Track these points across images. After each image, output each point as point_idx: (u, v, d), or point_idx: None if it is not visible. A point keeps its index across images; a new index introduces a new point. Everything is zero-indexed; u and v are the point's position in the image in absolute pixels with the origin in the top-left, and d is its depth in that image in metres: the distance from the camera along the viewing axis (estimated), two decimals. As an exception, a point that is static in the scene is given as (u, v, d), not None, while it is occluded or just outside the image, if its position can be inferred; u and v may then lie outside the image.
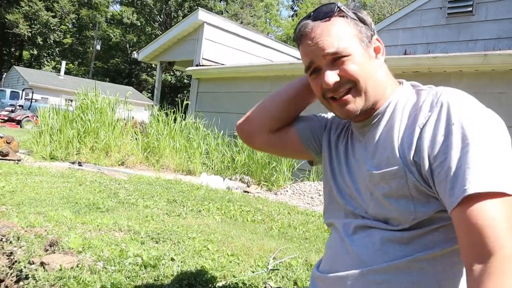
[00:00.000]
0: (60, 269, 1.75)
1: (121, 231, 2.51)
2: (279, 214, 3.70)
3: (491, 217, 0.70)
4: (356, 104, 0.94)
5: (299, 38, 0.98)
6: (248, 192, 5.41)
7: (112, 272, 1.83)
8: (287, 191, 5.53)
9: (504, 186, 0.71)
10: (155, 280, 1.82)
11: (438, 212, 0.83)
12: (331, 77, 0.92)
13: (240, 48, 9.48)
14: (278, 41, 11.87)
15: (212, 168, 6.86)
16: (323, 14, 0.94)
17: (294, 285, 1.93)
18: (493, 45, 8.15)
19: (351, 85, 0.92)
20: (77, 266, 1.83)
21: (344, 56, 0.91)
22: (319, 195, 5.29)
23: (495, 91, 4.96)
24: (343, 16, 0.94)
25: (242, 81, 7.99)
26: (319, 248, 2.62)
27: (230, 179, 6.29)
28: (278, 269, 2.08)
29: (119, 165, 6.32)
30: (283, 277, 2.01)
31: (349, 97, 0.93)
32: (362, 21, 0.96)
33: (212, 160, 6.90)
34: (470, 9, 8.30)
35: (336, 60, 0.92)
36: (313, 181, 5.95)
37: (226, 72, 8.31)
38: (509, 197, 0.71)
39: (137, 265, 1.95)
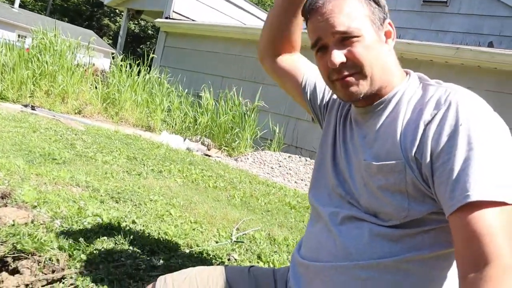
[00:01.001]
0: (13, 225, 1.63)
1: (79, 187, 2.38)
2: (240, 182, 3.68)
3: (491, 226, 0.69)
4: (359, 87, 0.89)
5: (308, 12, 0.92)
6: (208, 155, 5.34)
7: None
8: (247, 158, 5.50)
9: (506, 195, 0.70)
10: (115, 243, 1.74)
11: (431, 214, 0.82)
12: (338, 56, 0.86)
13: (212, 6, 9.14)
14: (252, 3, 11.53)
15: (172, 127, 6.69)
16: None
17: (258, 259, 1.92)
18: (461, 39, 8.35)
19: (356, 70, 0.88)
20: (32, 223, 1.71)
21: (354, 37, 0.86)
22: (279, 166, 5.32)
23: (462, 85, 5.05)
24: None
25: (213, 40, 7.73)
26: (282, 222, 2.62)
27: (191, 140, 6.17)
28: (242, 242, 2.06)
29: (75, 113, 6.01)
30: (247, 250, 1.99)
31: (352, 79, 0.88)
32: (376, 1, 0.91)
33: (174, 119, 6.72)
34: (445, 0, 8.40)
35: (345, 40, 0.87)
36: (274, 151, 5.96)
37: (197, 29, 8.00)
38: (509, 206, 0.70)
39: (97, 225, 1.86)
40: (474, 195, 0.70)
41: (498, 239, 0.68)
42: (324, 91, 1.14)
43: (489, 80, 4.96)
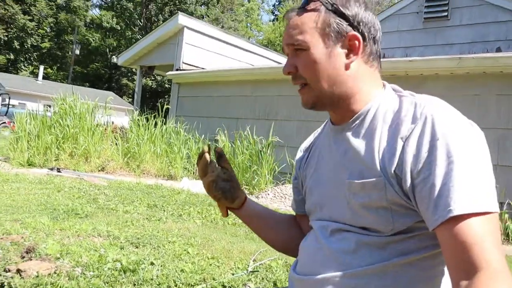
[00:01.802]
0: (37, 276, 1.73)
1: (100, 237, 2.49)
2: (260, 217, 3.72)
3: (477, 235, 0.71)
4: (307, 98, 0.95)
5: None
6: (229, 195, 5.40)
7: (91, 278, 1.82)
8: (268, 194, 5.55)
9: (488, 205, 0.72)
10: (134, 284, 1.82)
11: (416, 223, 0.84)
12: (285, 67, 0.95)
13: (220, 53, 9.50)
14: (259, 45, 11.94)
15: (193, 173, 6.84)
16: (301, 5, 0.95)
17: (273, 286, 1.95)
18: (468, 49, 8.38)
19: (303, 81, 0.94)
20: (55, 273, 1.81)
21: (302, 49, 0.91)
22: (300, 197, 5.33)
23: (470, 93, 5.09)
24: (314, 10, 0.91)
25: (223, 85, 8.01)
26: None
27: (212, 183, 6.27)
28: (258, 271, 2.10)
29: (99, 170, 6.25)
30: (262, 278, 2.03)
31: (302, 90, 0.95)
32: (340, 13, 0.91)
33: (193, 165, 6.88)
34: (446, 14, 8.53)
35: (297, 51, 0.93)
36: (295, 184, 5.98)
37: (206, 77, 8.31)
38: (492, 214, 0.73)
39: (116, 270, 1.94)
40: (457, 209, 0.72)
41: (486, 246, 0.70)
42: (299, 184, 1.14)
43: (497, 84, 4.95)
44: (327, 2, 0.90)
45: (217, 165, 1.11)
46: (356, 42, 0.91)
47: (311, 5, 0.92)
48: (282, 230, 1.19)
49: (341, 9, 0.90)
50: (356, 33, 0.91)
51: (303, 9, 0.93)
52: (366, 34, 0.92)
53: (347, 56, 0.92)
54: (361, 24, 0.91)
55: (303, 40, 0.91)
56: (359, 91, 0.94)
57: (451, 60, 5.12)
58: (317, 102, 0.95)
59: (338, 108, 0.96)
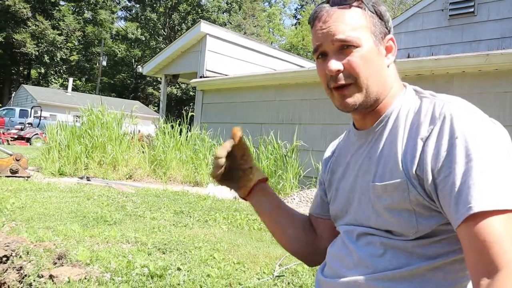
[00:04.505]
0: (68, 281, 1.78)
1: (128, 243, 2.54)
2: (286, 221, 3.71)
3: (498, 234, 0.70)
4: (354, 98, 0.91)
5: (313, 20, 0.96)
6: (255, 200, 5.41)
7: (119, 283, 1.86)
8: (294, 198, 5.53)
9: (509, 202, 0.71)
10: (161, 289, 1.84)
11: (441, 225, 0.83)
12: (335, 64, 0.89)
13: (243, 58, 9.56)
14: (281, 50, 11.96)
15: (219, 179, 6.88)
16: (341, 0, 0.92)
17: (299, 290, 1.94)
18: (497, 45, 8.13)
19: (352, 80, 0.90)
20: (85, 278, 1.86)
21: (353, 46, 0.89)
22: (327, 201, 5.28)
23: (500, 90, 4.94)
24: (360, 7, 0.92)
25: (246, 90, 8.05)
26: (326, 254, 2.62)
27: (238, 188, 6.31)
28: (283, 276, 2.09)
29: (126, 178, 6.38)
30: (288, 283, 2.02)
31: (347, 90, 0.91)
32: (380, 16, 0.93)
33: (219, 171, 6.93)
34: (472, 10, 8.32)
35: (344, 48, 0.90)
36: (320, 187, 5.94)
37: (229, 83, 8.38)
38: None
39: (144, 275, 1.98)
40: (477, 206, 0.71)
41: (506, 246, 0.69)
42: (324, 190, 1.11)
43: (529, 81, 4.79)
44: (368, 2, 0.92)
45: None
46: (392, 44, 0.96)
47: (355, 3, 0.92)
48: (295, 231, 1.15)
49: (381, 12, 0.94)
50: (392, 36, 0.96)
51: (347, 5, 0.92)
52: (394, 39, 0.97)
53: (386, 56, 0.95)
54: (391, 30, 0.97)
55: (356, 37, 0.89)
56: (388, 93, 0.95)
57: (479, 57, 4.99)
58: (363, 102, 0.92)
59: (371, 111, 0.95)
